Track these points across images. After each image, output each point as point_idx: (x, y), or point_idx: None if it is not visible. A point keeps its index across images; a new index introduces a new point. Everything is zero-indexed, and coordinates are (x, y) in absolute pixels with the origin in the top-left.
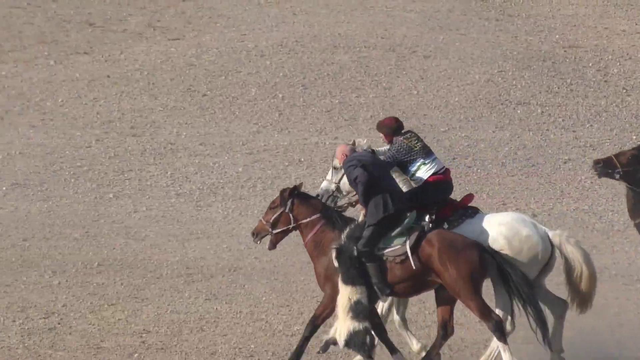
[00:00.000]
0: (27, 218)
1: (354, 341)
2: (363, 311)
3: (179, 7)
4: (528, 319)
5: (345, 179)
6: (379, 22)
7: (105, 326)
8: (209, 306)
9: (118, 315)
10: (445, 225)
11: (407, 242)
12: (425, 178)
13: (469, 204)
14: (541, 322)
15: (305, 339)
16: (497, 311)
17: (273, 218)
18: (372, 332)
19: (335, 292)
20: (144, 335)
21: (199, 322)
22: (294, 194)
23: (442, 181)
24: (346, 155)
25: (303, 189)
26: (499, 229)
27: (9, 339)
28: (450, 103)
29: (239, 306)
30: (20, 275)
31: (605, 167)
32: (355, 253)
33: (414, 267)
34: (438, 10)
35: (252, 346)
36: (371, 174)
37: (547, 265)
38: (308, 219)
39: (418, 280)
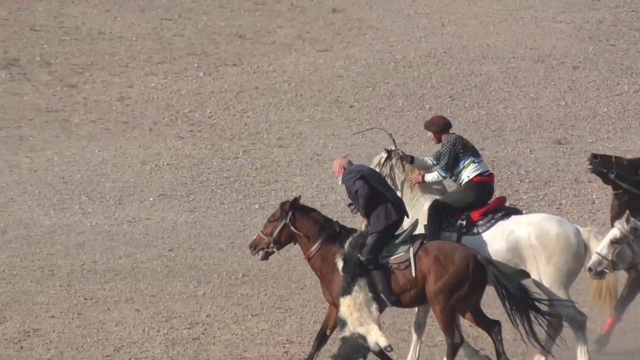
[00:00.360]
0: (174, 229)
1: (346, 348)
2: (365, 320)
3: (328, 19)
4: (518, 327)
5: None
6: (528, 33)
7: (248, 336)
8: None
9: (262, 326)
10: (476, 230)
11: (411, 249)
12: (471, 177)
13: (500, 207)
14: (533, 333)
15: (317, 347)
16: None
17: (274, 231)
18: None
19: (339, 304)
20: (287, 345)
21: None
22: (295, 207)
23: (487, 183)
24: (344, 168)
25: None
26: (529, 229)
27: (153, 349)
28: (599, 114)
29: (382, 316)
30: (165, 286)
31: (601, 164)
32: (361, 260)
33: (413, 275)
34: (588, 21)
35: (395, 357)
36: (372, 186)
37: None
38: (310, 233)
39: (420, 289)
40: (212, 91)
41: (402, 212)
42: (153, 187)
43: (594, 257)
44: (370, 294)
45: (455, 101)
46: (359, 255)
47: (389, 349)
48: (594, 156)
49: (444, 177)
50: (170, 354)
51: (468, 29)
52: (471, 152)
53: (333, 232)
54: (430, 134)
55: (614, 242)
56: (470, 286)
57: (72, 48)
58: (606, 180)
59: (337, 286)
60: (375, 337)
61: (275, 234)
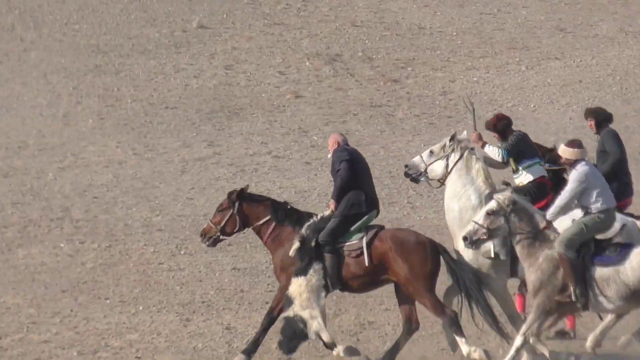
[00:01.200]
0: None
1: (287, 330)
2: (312, 304)
3: None
4: (472, 311)
5: (435, 165)
6: None
7: None
8: None
9: None
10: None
11: (364, 238)
12: (534, 178)
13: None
14: (490, 315)
15: (263, 330)
16: None
17: (221, 220)
18: (306, 327)
19: (289, 284)
20: None
21: None
22: (242, 196)
23: (547, 185)
24: (338, 144)
25: None
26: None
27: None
28: None
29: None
30: None
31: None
32: (318, 243)
33: (366, 264)
34: None
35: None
36: (354, 173)
37: None
38: (261, 221)
39: (372, 276)
40: (535, 85)
41: (373, 207)
42: None
43: (469, 226)
44: (322, 280)
45: None
46: (316, 237)
47: (329, 344)
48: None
49: (503, 160)
50: None
51: None
52: (536, 152)
53: (284, 213)
54: (494, 134)
55: (490, 214)
56: (434, 270)
57: (393, 43)
58: None
59: (278, 262)
60: (317, 328)
61: (222, 223)
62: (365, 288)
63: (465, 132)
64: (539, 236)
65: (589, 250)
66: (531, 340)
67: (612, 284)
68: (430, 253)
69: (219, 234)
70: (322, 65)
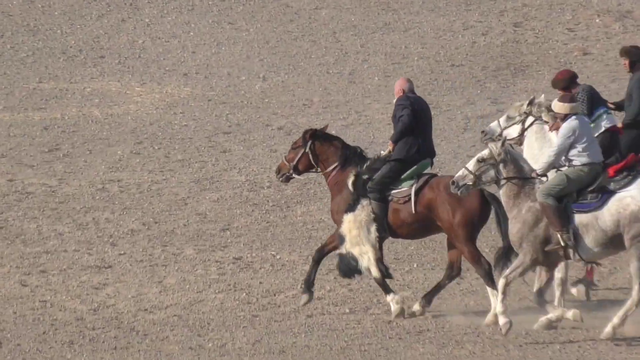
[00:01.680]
0: None
1: (341, 266)
2: (361, 240)
3: None
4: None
5: (511, 129)
6: None
7: None
8: None
9: None
10: (612, 186)
11: (414, 186)
12: (605, 127)
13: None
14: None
15: (314, 264)
16: None
17: (294, 158)
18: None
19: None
20: None
21: None
22: (316, 136)
23: (619, 134)
24: (403, 91)
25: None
26: None
27: None
28: None
29: None
30: None
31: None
32: (368, 181)
33: (413, 211)
34: None
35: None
36: (417, 121)
37: None
38: (330, 162)
39: (420, 223)
40: None
41: (428, 154)
42: None
43: (459, 172)
44: (372, 215)
45: None
46: (370, 175)
47: (378, 280)
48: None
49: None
50: None
51: None
52: (602, 102)
53: (352, 156)
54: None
55: (480, 161)
56: (480, 218)
57: None
58: None
59: (336, 207)
60: (367, 263)
61: (295, 161)
62: (414, 235)
63: (543, 96)
64: (525, 187)
65: (571, 198)
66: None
67: (590, 229)
68: (479, 202)
69: (291, 171)
70: (612, 21)
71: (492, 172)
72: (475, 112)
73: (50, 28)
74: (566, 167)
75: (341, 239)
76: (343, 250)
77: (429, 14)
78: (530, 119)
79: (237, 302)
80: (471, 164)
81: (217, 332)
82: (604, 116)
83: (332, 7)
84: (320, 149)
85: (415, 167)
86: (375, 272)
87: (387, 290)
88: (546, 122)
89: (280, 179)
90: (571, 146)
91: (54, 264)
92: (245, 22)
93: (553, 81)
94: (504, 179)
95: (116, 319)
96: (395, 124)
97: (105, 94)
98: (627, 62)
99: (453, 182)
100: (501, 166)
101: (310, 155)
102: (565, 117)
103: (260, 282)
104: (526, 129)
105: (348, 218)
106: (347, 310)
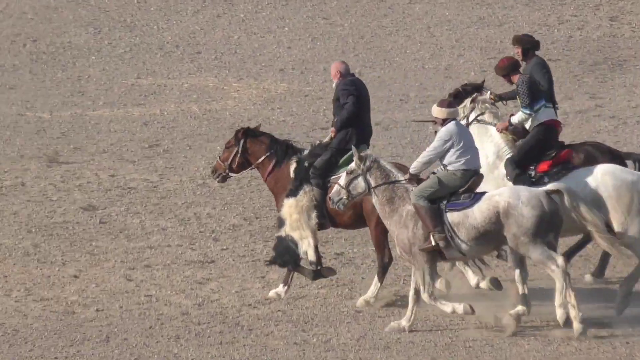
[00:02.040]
0: None
1: (278, 247)
2: (302, 225)
3: None
4: None
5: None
6: None
7: None
8: None
9: None
10: (546, 180)
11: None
12: (543, 120)
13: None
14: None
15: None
16: None
17: (228, 157)
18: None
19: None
20: None
21: None
22: (247, 135)
23: (555, 127)
24: (340, 73)
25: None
26: (604, 179)
27: None
28: None
29: None
30: None
31: None
32: (310, 167)
33: None
34: None
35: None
36: (359, 108)
37: None
38: (261, 158)
39: (353, 211)
40: None
41: (365, 140)
42: None
43: (335, 188)
44: (313, 201)
45: None
46: (312, 162)
47: (313, 265)
48: None
49: (529, 115)
50: None
51: None
52: (543, 95)
53: (283, 151)
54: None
55: (348, 173)
56: None
57: None
58: None
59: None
60: (306, 247)
61: (229, 160)
62: (350, 224)
63: (489, 93)
64: (397, 191)
65: (443, 199)
66: (428, 301)
67: (461, 227)
68: None
69: (227, 171)
70: None
71: (362, 183)
72: (574, 107)
73: (146, 24)
74: (439, 170)
75: (281, 223)
76: (282, 233)
77: (524, 8)
78: (473, 115)
79: (340, 298)
80: (342, 179)
81: (321, 328)
82: (542, 109)
83: (426, 2)
84: (252, 147)
85: (348, 154)
86: (312, 256)
87: (309, 275)
88: (489, 123)
89: (217, 179)
90: (447, 151)
91: (157, 258)
92: (339, 17)
93: (495, 68)
94: (373, 187)
95: (221, 314)
96: (336, 108)
97: (203, 90)
98: (519, 50)
99: (330, 199)
100: (368, 175)
101: (242, 154)
102: (443, 122)
103: (362, 278)
104: (469, 124)
105: (289, 202)
106: None
